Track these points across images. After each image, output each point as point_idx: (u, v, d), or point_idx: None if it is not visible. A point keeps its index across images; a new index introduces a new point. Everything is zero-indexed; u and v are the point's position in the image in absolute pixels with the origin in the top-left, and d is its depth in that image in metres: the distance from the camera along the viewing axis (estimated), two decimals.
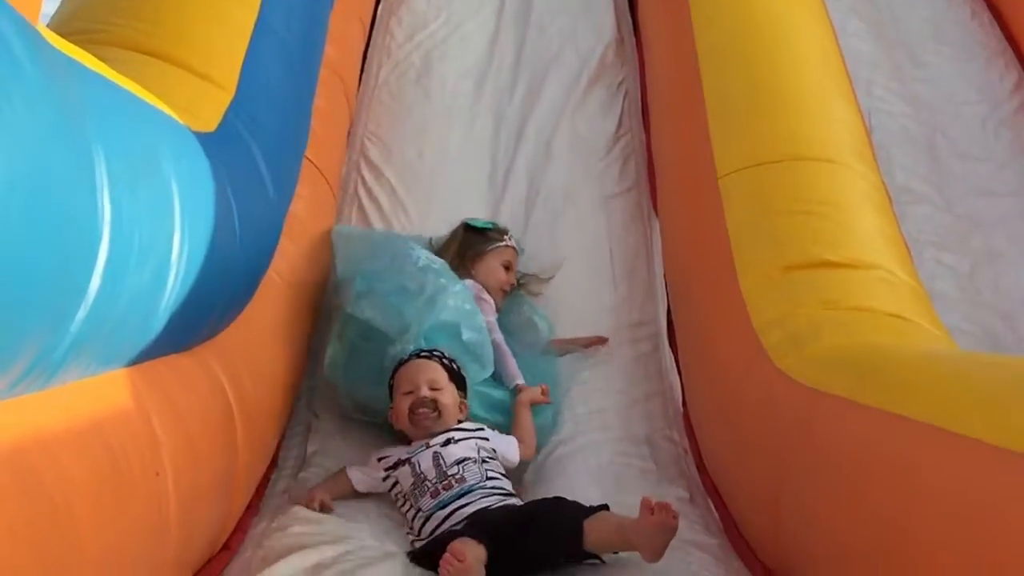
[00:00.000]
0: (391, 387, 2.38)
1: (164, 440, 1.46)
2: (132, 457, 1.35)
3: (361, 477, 2.30)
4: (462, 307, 2.52)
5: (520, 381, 2.60)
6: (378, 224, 3.15)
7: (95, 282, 1.16)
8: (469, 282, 2.74)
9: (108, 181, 1.17)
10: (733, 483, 2.33)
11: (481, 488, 2.18)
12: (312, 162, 2.77)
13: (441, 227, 3.14)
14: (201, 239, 1.57)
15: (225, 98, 2.15)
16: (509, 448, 2.40)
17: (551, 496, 2.16)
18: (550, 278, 3.00)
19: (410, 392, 2.32)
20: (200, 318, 1.70)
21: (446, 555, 1.83)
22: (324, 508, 2.18)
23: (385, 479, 2.28)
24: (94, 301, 1.18)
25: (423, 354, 2.39)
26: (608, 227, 3.20)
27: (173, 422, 1.52)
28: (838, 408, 1.85)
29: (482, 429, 2.39)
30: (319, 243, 2.79)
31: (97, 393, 1.32)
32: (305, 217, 2.61)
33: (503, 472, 2.29)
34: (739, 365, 2.36)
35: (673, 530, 1.85)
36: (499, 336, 2.68)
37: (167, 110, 1.64)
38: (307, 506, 2.17)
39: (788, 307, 2.31)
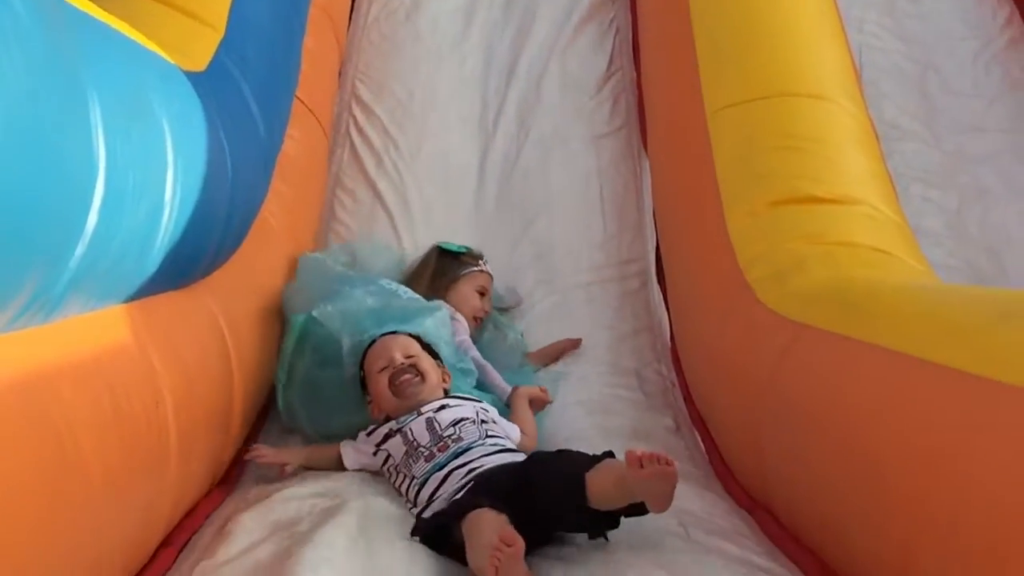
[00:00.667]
0: (363, 380, 2.22)
1: (162, 373, 1.51)
2: (132, 388, 1.40)
3: (352, 454, 2.12)
4: (440, 328, 2.38)
5: (510, 388, 2.46)
6: (370, 163, 3.17)
7: (92, 220, 1.20)
8: (440, 304, 2.56)
9: (102, 124, 1.20)
10: (717, 415, 2.40)
11: (480, 445, 1.99)
12: (303, 102, 2.79)
13: (432, 167, 3.16)
14: (194, 178, 1.60)
15: (215, 37, 2.16)
16: (510, 427, 2.21)
17: (554, 449, 1.97)
18: (515, 306, 2.89)
19: (385, 367, 2.15)
20: (195, 256, 1.73)
21: (496, 542, 1.51)
22: (276, 467, 2.07)
23: (375, 453, 2.09)
24: (91, 239, 1.22)
25: (384, 332, 2.24)
26: (598, 166, 3.23)
27: (171, 356, 1.57)
28: (819, 340, 1.90)
29: (480, 400, 2.22)
30: (312, 183, 2.81)
31: (97, 328, 1.37)
32: (297, 157, 2.63)
33: (504, 434, 2.11)
34: (724, 300, 2.41)
35: (672, 478, 1.62)
36: (476, 353, 2.56)
37: (157, 50, 1.65)
38: (257, 459, 2.08)
39: (773, 242, 2.35)
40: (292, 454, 2.14)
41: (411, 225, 3.01)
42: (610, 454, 1.79)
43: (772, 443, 1.98)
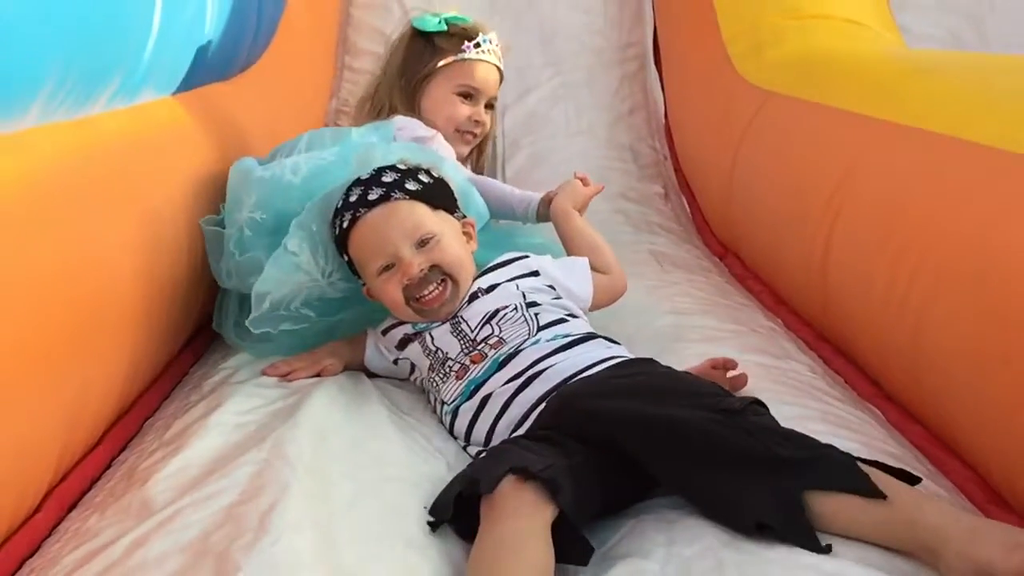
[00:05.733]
0: (349, 262, 1.52)
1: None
2: (194, 160, 1.72)
3: (374, 353, 1.57)
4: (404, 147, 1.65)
5: (539, 195, 1.79)
6: None
7: (156, 19, 1.50)
8: (400, 119, 1.87)
9: None
10: (699, 178, 2.71)
11: (533, 345, 1.37)
12: None
13: None
14: None
15: None
16: (573, 274, 1.56)
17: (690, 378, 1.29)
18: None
19: (388, 267, 1.45)
20: (234, 49, 2.03)
21: None
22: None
23: (397, 362, 1.53)
24: (157, 34, 1.52)
25: (371, 197, 1.47)
26: None
27: (218, 135, 1.89)
28: (781, 105, 2.19)
29: (525, 257, 1.56)
30: None
31: (168, 110, 1.69)
32: None
33: (571, 312, 1.47)
34: (708, 74, 2.67)
35: None
36: (469, 173, 1.86)
37: None
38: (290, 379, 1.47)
39: (754, 17, 2.59)
40: (338, 354, 1.55)
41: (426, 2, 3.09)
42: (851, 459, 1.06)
43: (740, 194, 2.30)
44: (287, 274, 1.47)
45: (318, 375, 1.49)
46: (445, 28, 1.96)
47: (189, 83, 1.82)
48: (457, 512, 1.07)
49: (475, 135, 2.03)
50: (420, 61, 1.96)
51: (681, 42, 3.01)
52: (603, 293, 1.59)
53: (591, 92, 3.11)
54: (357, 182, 1.50)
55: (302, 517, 0.96)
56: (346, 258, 1.51)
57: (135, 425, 1.42)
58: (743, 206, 2.27)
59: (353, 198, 1.48)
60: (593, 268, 1.60)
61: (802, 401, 1.32)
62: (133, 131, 1.52)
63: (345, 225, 1.48)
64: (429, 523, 1.08)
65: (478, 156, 2.14)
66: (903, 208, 1.45)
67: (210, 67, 1.90)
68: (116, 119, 1.47)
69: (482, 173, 2.09)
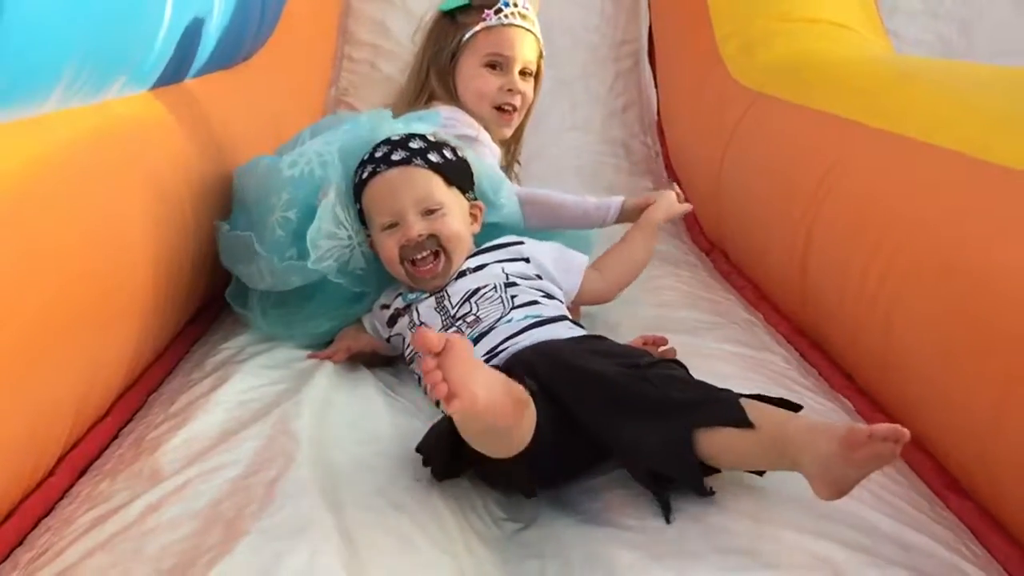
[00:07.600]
0: (360, 212, 1.61)
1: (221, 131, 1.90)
2: (200, 148, 1.79)
3: (374, 333, 1.65)
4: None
5: (617, 198, 1.78)
6: None
7: (168, 12, 1.56)
8: (445, 109, 1.86)
9: None
10: (689, 173, 2.78)
11: (505, 323, 1.45)
12: None
13: None
14: None
15: None
16: (566, 270, 1.63)
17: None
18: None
19: (392, 226, 1.55)
20: (238, 39, 2.09)
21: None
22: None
23: (390, 340, 1.62)
24: (168, 25, 1.58)
25: (395, 157, 1.56)
26: None
27: (226, 120, 1.96)
28: (769, 105, 2.26)
29: (519, 243, 1.63)
30: None
31: (175, 97, 1.75)
32: None
33: (547, 293, 1.54)
34: (701, 72, 2.73)
35: (893, 458, 1.00)
36: (521, 188, 1.78)
37: None
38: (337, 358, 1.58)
39: (746, 19, 2.66)
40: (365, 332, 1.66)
41: None
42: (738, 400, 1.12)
43: (727, 192, 2.37)
44: (329, 224, 1.54)
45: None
46: (467, 2, 1.92)
47: (196, 71, 1.89)
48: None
49: (514, 107, 1.94)
50: (447, 41, 1.92)
51: (675, 41, 3.07)
52: (588, 295, 1.66)
53: (586, 88, 3.17)
54: (387, 140, 1.60)
55: (306, 485, 1.04)
56: (358, 206, 1.61)
57: (140, 398, 1.49)
58: (730, 203, 2.35)
59: (379, 154, 1.59)
60: (598, 269, 1.67)
61: (771, 389, 1.38)
62: (143, 116, 1.58)
63: (364, 176, 1.58)
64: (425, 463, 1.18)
65: (514, 141, 2.09)
66: (878, 209, 1.52)
67: (216, 56, 1.95)
68: (127, 105, 1.53)
69: (516, 146, 2.09)
